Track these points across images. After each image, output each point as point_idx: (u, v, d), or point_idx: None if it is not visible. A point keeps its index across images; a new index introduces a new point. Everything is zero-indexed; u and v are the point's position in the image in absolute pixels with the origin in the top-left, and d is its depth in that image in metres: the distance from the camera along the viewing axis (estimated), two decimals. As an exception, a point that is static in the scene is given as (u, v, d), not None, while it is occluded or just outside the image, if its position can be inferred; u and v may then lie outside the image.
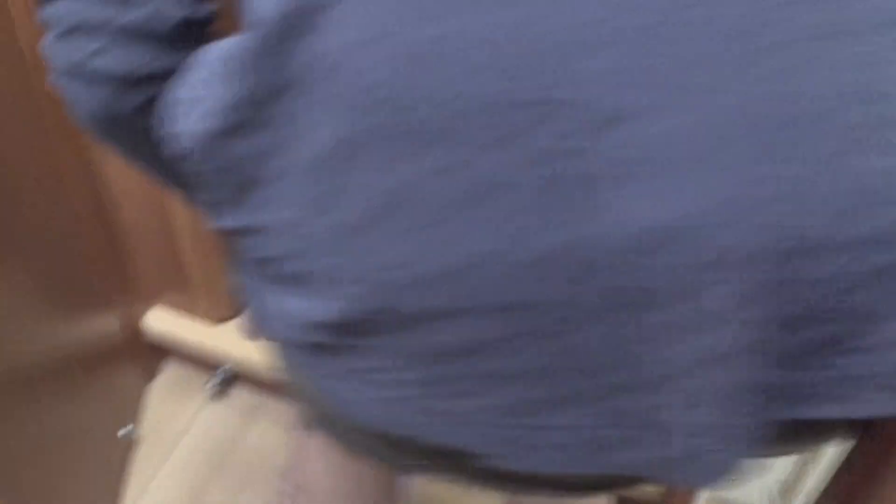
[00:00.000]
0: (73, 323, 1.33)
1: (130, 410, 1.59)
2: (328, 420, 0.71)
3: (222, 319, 1.62)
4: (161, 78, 0.56)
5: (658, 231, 0.43)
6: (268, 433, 1.62)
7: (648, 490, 1.33)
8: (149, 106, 0.57)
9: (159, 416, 1.63)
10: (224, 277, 1.53)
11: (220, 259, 1.49)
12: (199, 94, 0.53)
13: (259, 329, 0.64)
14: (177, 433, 1.61)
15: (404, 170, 0.46)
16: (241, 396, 1.68)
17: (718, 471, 0.55)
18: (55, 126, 1.14)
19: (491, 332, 0.49)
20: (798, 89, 0.41)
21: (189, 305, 1.60)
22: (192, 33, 0.56)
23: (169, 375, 1.70)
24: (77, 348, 1.36)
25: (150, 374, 1.68)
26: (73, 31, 0.54)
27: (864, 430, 0.70)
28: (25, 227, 1.13)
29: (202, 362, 1.67)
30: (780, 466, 1.14)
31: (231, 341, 1.60)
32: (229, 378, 1.67)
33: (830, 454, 1.03)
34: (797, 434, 0.57)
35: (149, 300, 1.63)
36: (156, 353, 1.70)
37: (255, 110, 0.50)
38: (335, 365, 0.58)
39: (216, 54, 0.54)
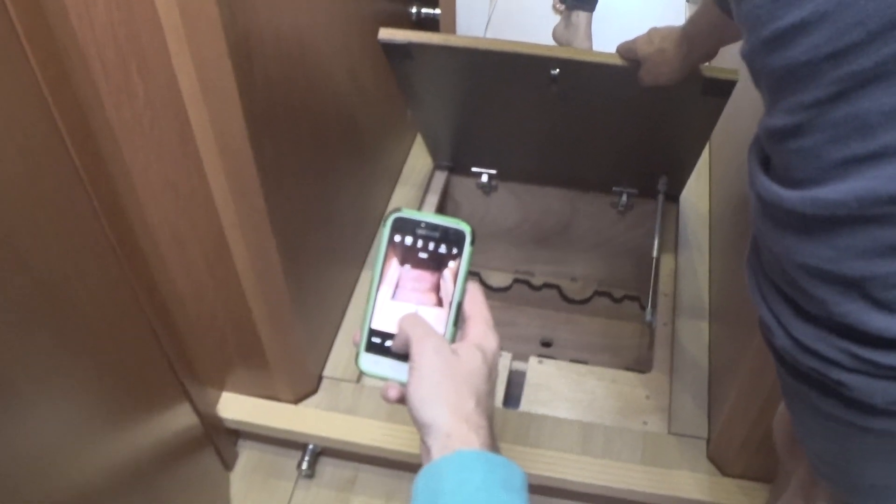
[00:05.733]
0: (146, 422, 1.25)
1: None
2: None
3: (300, 398, 1.55)
4: None
5: None
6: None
7: None
8: None
9: (250, 505, 1.55)
10: (301, 353, 1.47)
11: (295, 335, 1.41)
12: None
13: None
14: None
15: None
16: (331, 473, 1.59)
17: None
18: (109, 225, 1.07)
19: None
20: None
21: (266, 387, 1.52)
22: None
23: (251, 461, 1.62)
24: (155, 449, 1.28)
25: (231, 462, 1.60)
26: None
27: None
28: (84, 328, 1.05)
29: (284, 443, 1.59)
30: None
31: (313, 418, 1.53)
32: (316, 456, 1.58)
33: None
34: None
35: (222, 385, 1.55)
36: (234, 439, 1.62)
37: None
38: None
39: None
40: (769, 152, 0.62)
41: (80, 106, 0.98)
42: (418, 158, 2.02)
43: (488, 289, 2.08)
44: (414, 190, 1.94)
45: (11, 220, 0.86)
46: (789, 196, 0.58)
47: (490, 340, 0.64)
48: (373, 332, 0.66)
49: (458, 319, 0.65)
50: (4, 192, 0.84)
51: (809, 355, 0.63)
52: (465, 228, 0.65)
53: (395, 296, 0.67)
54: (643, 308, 2.01)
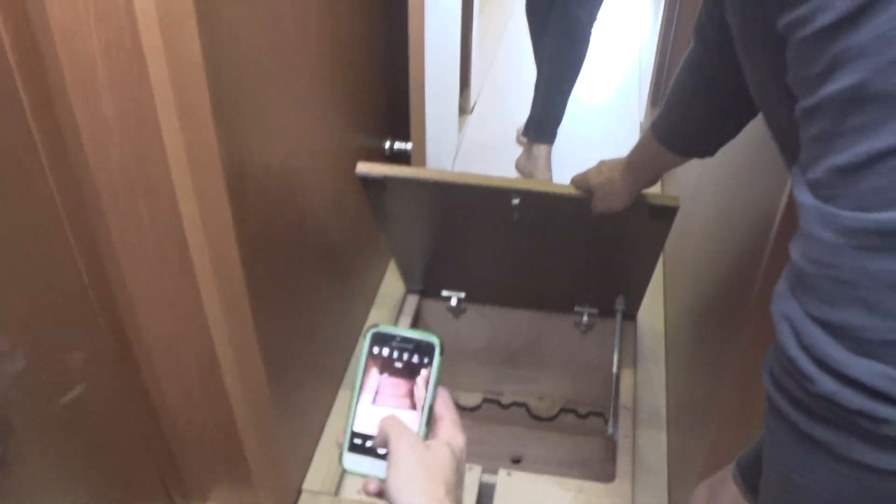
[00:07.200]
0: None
1: None
2: None
3: (282, 508, 1.61)
4: None
5: None
6: None
7: None
8: None
9: None
10: (282, 465, 1.54)
11: (278, 447, 1.48)
12: None
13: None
14: None
15: None
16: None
17: None
18: (100, 329, 1.17)
19: None
20: None
21: (248, 498, 1.58)
22: None
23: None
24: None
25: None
26: None
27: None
28: (81, 437, 1.13)
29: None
30: None
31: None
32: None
33: None
34: None
35: (205, 498, 1.60)
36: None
37: None
38: None
39: None
40: (836, 188, 0.62)
41: (90, 230, 1.09)
42: (391, 283, 2.14)
43: (459, 408, 2.14)
44: (388, 312, 2.05)
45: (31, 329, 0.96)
46: (890, 217, 0.59)
47: (458, 438, 0.75)
48: (355, 435, 0.76)
49: (430, 420, 0.75)
50: (29, 305, 0.94)
51: (863, 394, 0.63)
52: (435, 341, 0.76)
53: (375, 401, 0.77)
54: (607, 423, 2.10)
